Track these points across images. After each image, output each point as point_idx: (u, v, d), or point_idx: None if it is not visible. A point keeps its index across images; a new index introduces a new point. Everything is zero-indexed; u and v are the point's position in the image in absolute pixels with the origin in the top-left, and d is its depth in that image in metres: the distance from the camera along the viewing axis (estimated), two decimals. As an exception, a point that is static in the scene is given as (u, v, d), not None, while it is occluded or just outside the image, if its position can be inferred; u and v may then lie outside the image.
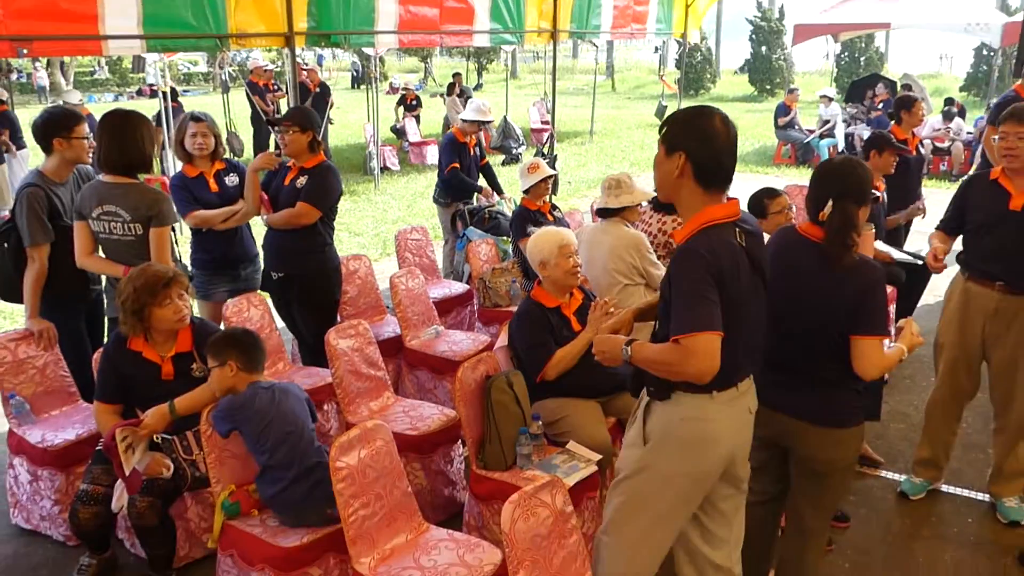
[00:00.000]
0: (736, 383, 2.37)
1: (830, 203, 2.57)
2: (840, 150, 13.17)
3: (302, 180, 4.24)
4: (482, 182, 6.77)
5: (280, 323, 4.57)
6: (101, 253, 3.85)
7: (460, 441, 3.78)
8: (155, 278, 3.09)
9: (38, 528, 3.72)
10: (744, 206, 4.49)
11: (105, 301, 4.13)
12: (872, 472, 4.17)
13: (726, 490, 2.49)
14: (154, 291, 3.08)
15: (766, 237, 2.59)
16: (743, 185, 5.14)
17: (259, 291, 4.48)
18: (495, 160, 13.07)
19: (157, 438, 3.09)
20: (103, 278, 4.05)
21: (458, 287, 5.76)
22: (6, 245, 3.91)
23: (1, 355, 3.75)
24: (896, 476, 4.12)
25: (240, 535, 2.88)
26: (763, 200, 4.25)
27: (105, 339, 4.18)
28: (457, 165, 6.50)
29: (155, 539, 3.11)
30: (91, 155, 3.99)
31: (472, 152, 6.71)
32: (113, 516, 3.20)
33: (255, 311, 4.22)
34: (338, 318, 4.70)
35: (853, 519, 3.72)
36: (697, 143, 2.25)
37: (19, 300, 3.94)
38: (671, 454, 2.40)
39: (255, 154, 11.41)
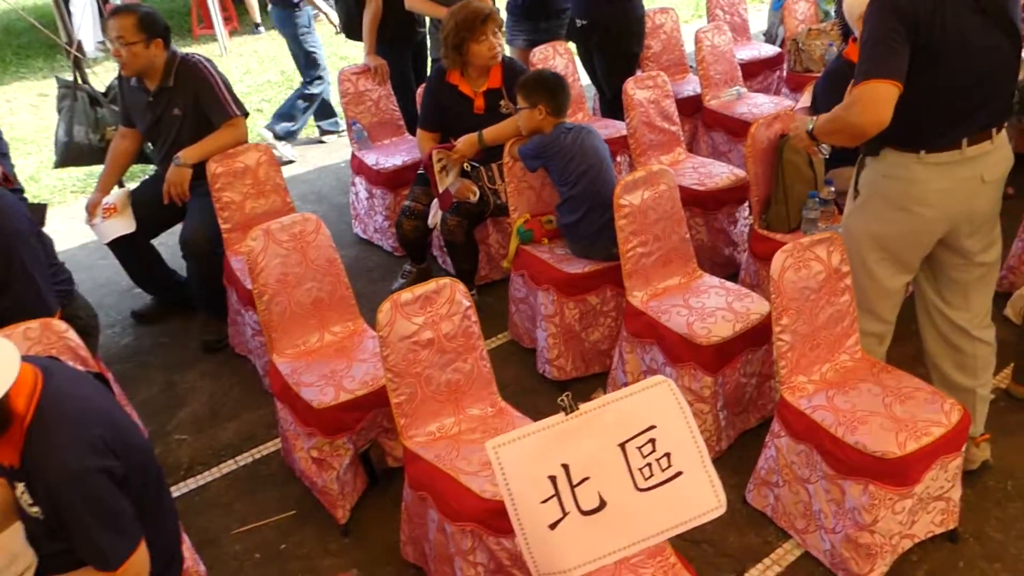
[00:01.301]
0: (957, 144, 2.14)
1: None
2: None
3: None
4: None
5: (584, 79, 4.69)
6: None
7: (747, 204, 3.77)
8: (473, 14, 3.31)
9: (372, 239, 4.41)
10: None
11: (429, 43, 4.49)
12: None
13: (953, 259, 2.36)
14: (472, 26, 3.31)
15: None
16: None
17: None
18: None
19: (467, 166, 3.45)
20: (427, 20, 4.39)
21: (768, 49, 5.44)
22: (349, -15, 4.35)
23: (345, 87, 4.30)
24: None
25: (531, 258, 3.22)
26: None
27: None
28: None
29: (461, 255, 3.57)
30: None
31: None
32: (429, 231, 3.69)
33: (560, 60, 4.36)
34: (639, 72, 4.70)
35: None
36: None
37: (360, 38, 4.42)
38: (874, 210, 2.33)
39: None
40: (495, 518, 2.08)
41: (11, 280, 2.40)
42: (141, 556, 1.76)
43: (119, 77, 3.56)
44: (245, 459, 3.09)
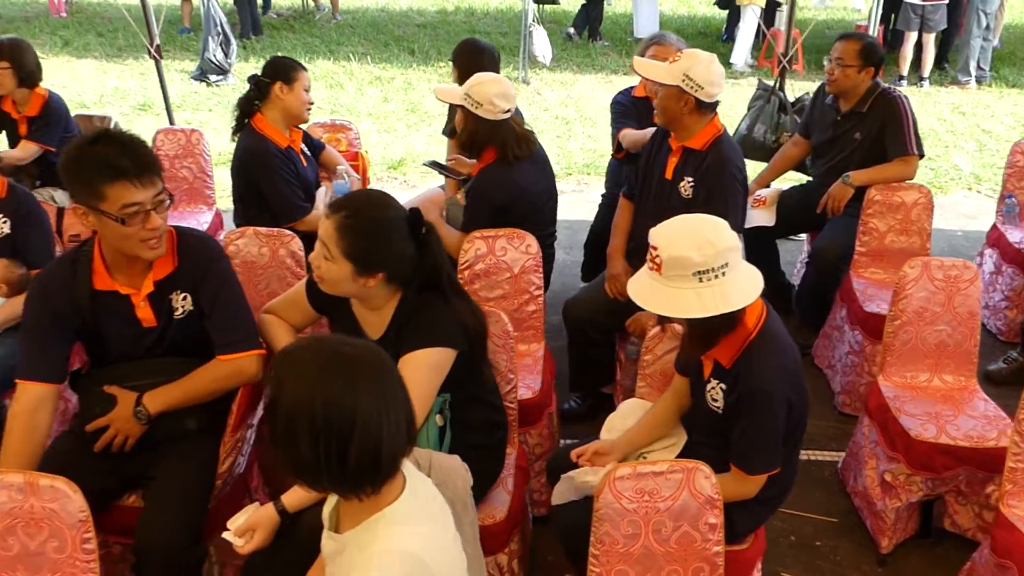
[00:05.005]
0: None
1: None
2: None
3: None
4: None
5: None
6: None
7: None
8: None
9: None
10: None
11: None
12: None
13: None
14: None
15: None
16: None
17: None
18: None
19: None
20: None
21: None
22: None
23: (1014, 158, 4.18)
24: None
25: None
26: None
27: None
28: None
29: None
30: None
31: None
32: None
33: None
34: None
35: None
36: None
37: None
38: None
39: None
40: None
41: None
42: (761, 480, 2.08)
43: (816, 92, 3.96)
44: (802, 456, 3.31)
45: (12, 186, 2.89)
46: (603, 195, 4.17)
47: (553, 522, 2.91)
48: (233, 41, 8.36)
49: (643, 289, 2.01)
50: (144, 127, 6.74)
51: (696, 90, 2.91)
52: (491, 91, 3.03)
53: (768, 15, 9.62)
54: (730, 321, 1.99)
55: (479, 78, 3.11)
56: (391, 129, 7.27)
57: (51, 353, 2.12)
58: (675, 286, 1.94)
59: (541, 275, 3.05)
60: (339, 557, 1.46)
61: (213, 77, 8.26)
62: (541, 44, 8.79)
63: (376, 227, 1.96)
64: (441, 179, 4.57)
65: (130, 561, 2.28)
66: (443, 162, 3.83)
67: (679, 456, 2.25)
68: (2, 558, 1.85)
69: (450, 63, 4.02)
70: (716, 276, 1.92)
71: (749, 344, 2.03)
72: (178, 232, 2.19)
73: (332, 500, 1.55)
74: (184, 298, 2.18)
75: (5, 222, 2.82)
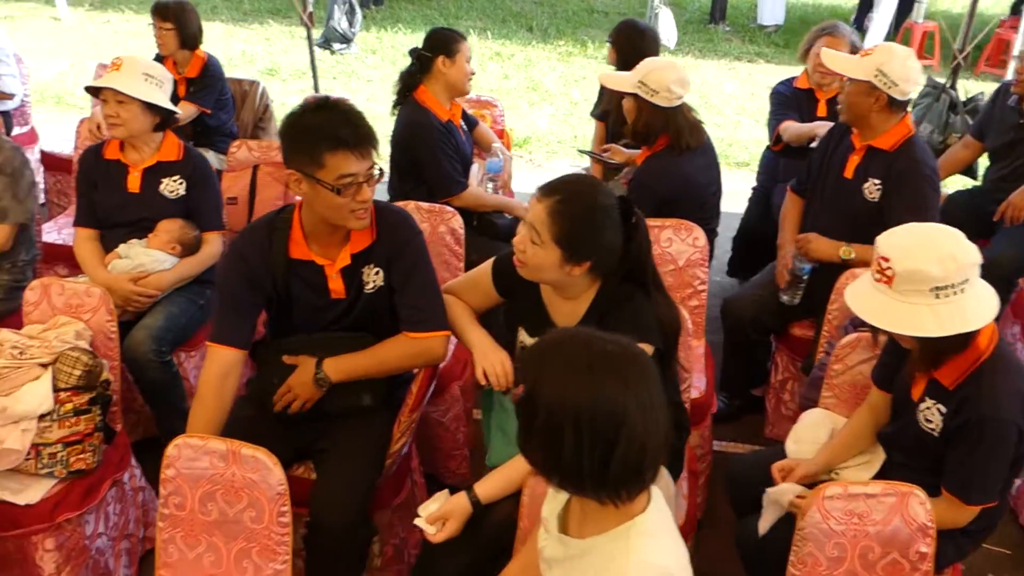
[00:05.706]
0: None
1: None
2: None
3: None
4: None
5: None
6: None
7: None
8: None
9: None
10: None
11: None
12: None
13: None
14: None
15: None
16: None
17: None
18: None
19: None
20: None
21: None
22: None
23: None
24: None
25: None
26: None
27: None
28: None
29: None
30: None
31: None
32: None
33: None
34: None
35: None
36: None
37: None
38: None
39: None
40: None
41: None
42: (975, 512, 1.92)
43: (997, 92, 3.70)
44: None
45: (187, 148, 2.92)
46: (754, 188, 4.00)
47: (709, 529, 2.83)
48: (358, 10, 8.40)
49: (867, 302, 1.87)
50: (270, 92, 6.82)
51: (890, 87, 2.73)
52: (669, 78, 2.91)
53: (903, 6, 9.16)
54: (964, 341, 1.84)
55: (653, 64, 2.99)
56: (513, 107, 7.18)
57: (244, 318, 2.12)
58: (908, 301, 1.80)
59: (707, 269, 2.93)
60: (570, 563, 1.40)
61: (337, 45, 8.32)
62: (666, 27, 8.54)
63: (591, 214, 1.87)
64: (575, 160, 4.49)
65: (297, 531, 2.28)
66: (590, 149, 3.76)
67: (875, 476, 2.11)
68: (200, 522, 1.85)
69: (607, 45, 3.90)
70: (955, 292, 1.78)
71: (980, 366, 1.87)
72: (377, 207, 2.15)
73: (558, 500, 1.48)
74: (376, 273, 2.15)
75: (181, 183, 2.85)
